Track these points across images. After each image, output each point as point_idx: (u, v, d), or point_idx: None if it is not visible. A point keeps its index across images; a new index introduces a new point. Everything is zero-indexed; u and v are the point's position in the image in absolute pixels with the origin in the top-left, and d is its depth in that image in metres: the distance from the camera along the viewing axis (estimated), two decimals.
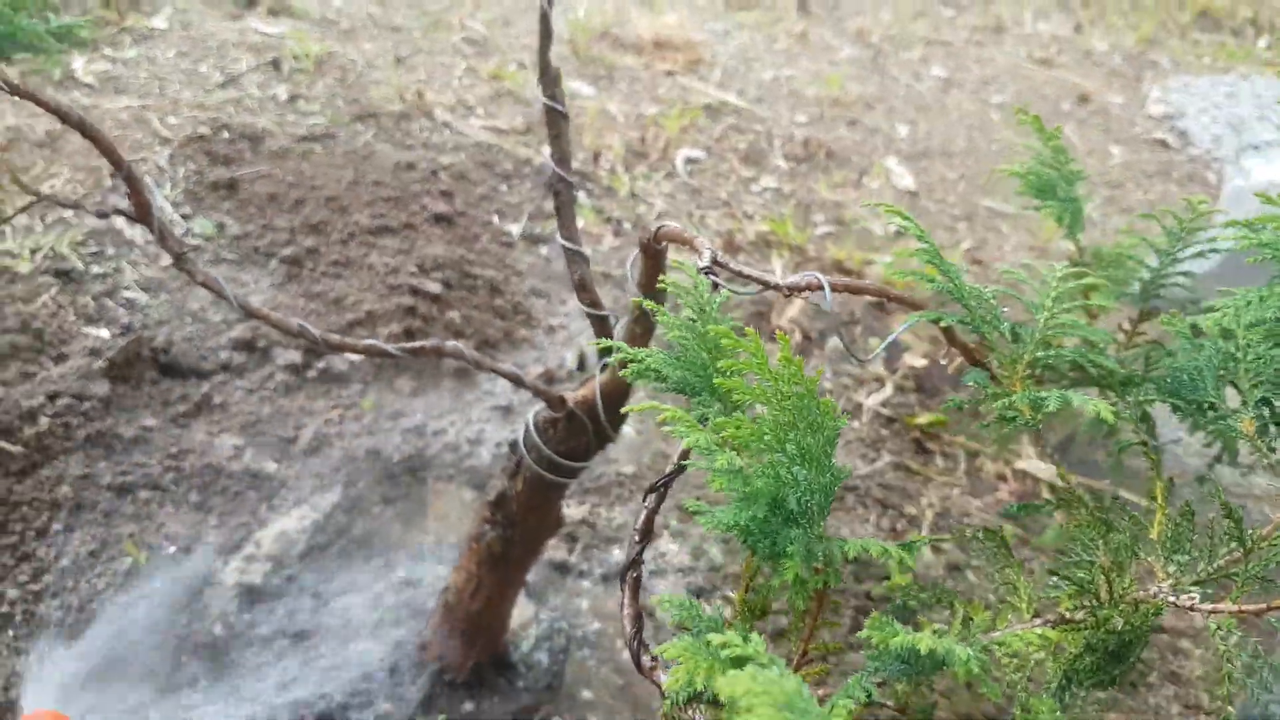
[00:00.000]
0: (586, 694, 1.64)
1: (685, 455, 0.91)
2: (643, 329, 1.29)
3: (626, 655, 1.76)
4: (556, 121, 1.33)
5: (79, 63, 3.23)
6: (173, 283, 2.34)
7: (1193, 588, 0.71)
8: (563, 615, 1.76)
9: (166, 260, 2.42)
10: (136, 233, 2.49)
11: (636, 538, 0.92)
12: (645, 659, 0.83)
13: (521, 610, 1.71)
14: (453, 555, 1.85)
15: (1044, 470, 2.18)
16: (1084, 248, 1.08)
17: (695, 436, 0.69)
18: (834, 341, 2.67)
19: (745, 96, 4.26)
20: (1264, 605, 0.67)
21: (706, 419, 0.79)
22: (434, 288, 2.36)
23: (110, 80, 3.18)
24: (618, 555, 1.95)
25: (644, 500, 0.95)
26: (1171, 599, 0.70)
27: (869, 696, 0.64)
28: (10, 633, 1.52)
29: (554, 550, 1.91)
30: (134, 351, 1.99)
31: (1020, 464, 2.21)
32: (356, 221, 2.57)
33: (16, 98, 1.09)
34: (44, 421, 1.75)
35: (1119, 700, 1.73)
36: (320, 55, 3.65)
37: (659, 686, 0.82)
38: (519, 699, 1.56)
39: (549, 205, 3.11)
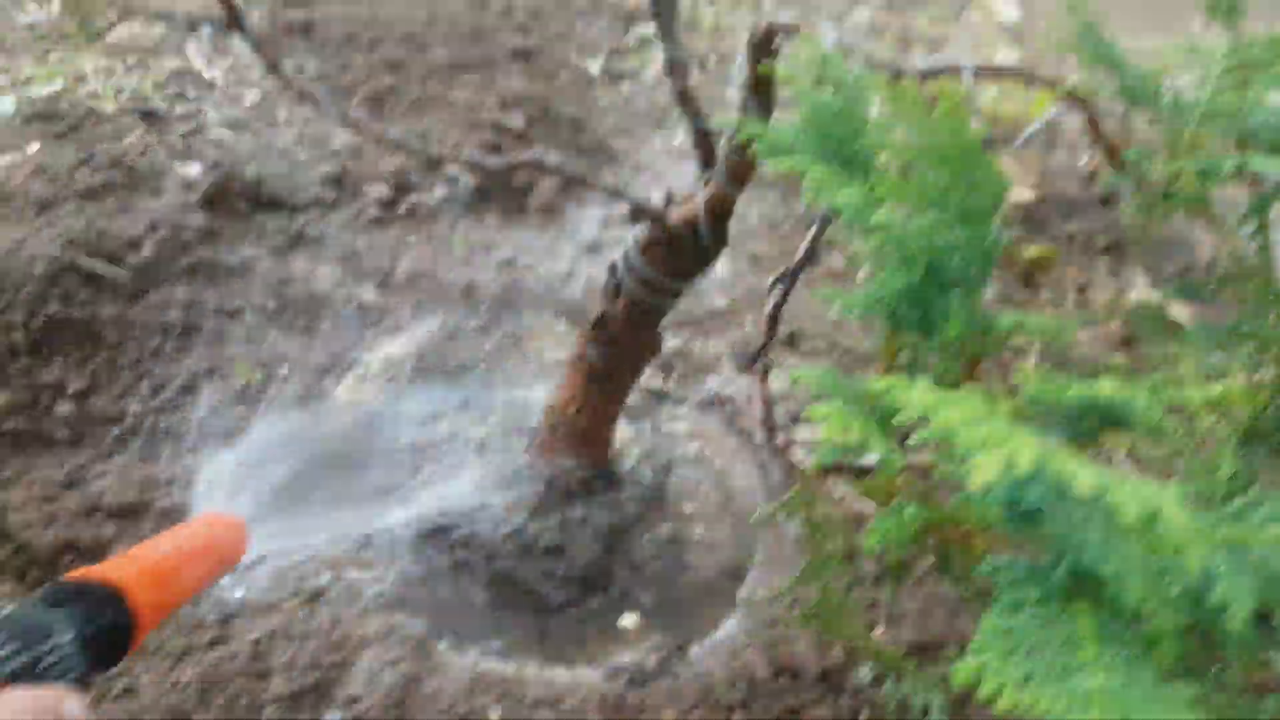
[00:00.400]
0: (689, 507, 1.69)
1: (820, 231, 0.89)
2: (762, 117, 1.25)
3: (726, 474, 1.79)
4: None
5: None
6: (257, 122, 2.34)
7: None
8: (663, 437, 1.79)
9: (249, 101, 2.41)
10: (217, 74, 2.48)
11: (766, 326, 0.92)
12: (779, 439, 0.83)
13: (623, 432, 1.74)
14: (551, 380, 1.88)
15: (1156, 300, 2.12)
16: (1241, 36, 1.01)
17: (847, 192, 0.67)
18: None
19: None
20: None
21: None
22: (517, 123, 2.33)
23: None
24: (712, 383, 1.96)
25: (770, 290, 0.94)
26: None
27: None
28: (136, 443, 1.60)
29: (650, 379, 1.93)
30: (227, 185, 2.01)
31: (1132, 294, 2.16)
32: (434, 59, 2.53)
33: None
34: (148, 249, 1.79)
35: None
36: None
37: (795, 466, 0.83)
38: (625, 508, 1.61)
39: (628, 41, 3.02)
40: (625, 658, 1.45)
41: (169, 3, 2.69)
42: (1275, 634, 0.48)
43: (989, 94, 2.91)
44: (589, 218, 2.29)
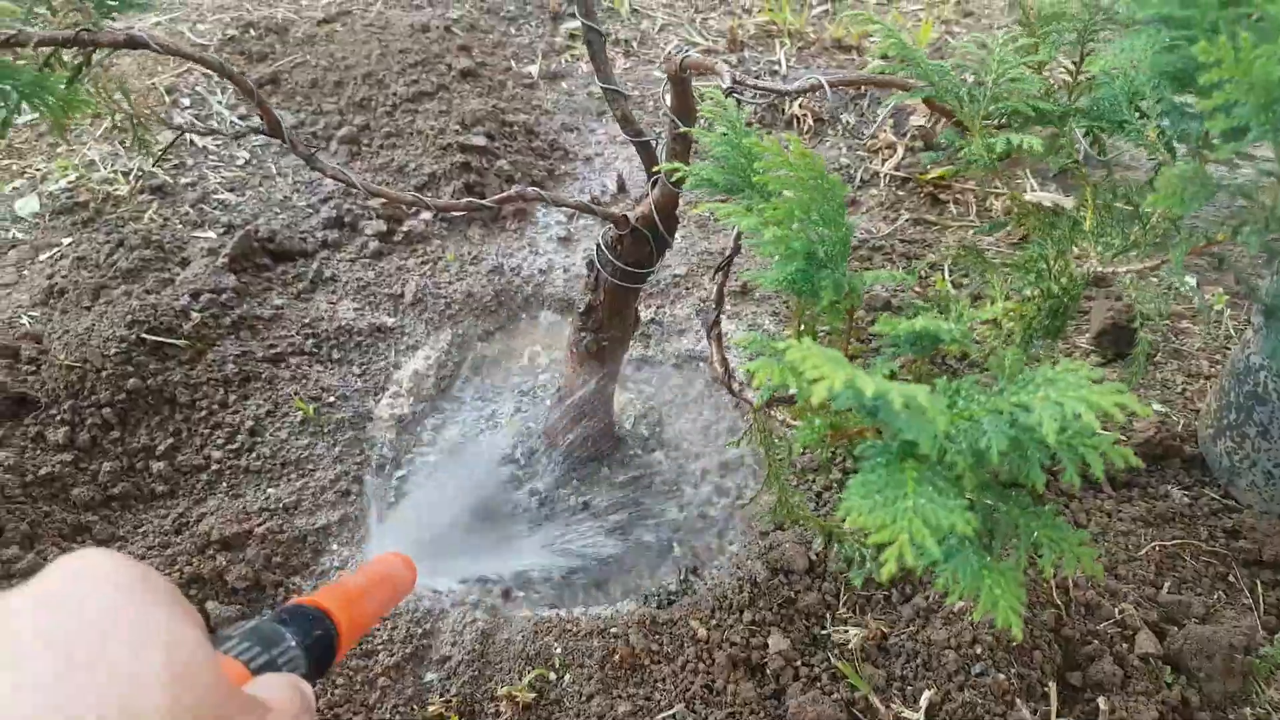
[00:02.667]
0: (686, 445, 2.02)
1: (738, 239, 1.20)
2: (682, 146, 1.54)
3: (708, 418, 2.11)
4: None
5: None
6: (252, 179, 2.62)
7: (1114, 258, 1.00)
8: (652, 396, 2.11)
9: (241, 160, 2.69)
10: (206, 140, 2.75)
11: (713, 304, 1.23)
12: (735, 386, 1.15)
13: (620, 397, 2.05)
14: (551, 364, 2.19)
15: (1047, 197, 2.43)
16: (1030, 7, 1.31)
17: (747, 221, 0.97)
18: (845, 117, 2.89)
19: None
20: (1157, 261, 0.96)
21: (751, 208, 1.07)
22: (479, 141, 2.62)
23: None
24: (685, 343, 2.28)
25: (712, 278, 1.25)
26: (1100, 269, 0.99)
27: (892, 373, 0.94)
28: (224, 484, 1.90)
29: (634, 348, 2.24)
30: (245, 245, 2.30)
31: (1027, 196, 2.46)
32: (395, 92, 2.80)
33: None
34: (195, 316, 2.09)
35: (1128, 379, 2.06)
36: None
37: (749, 403, 1.14)
38: (634, 461, 1.93)
39: (558, 40, 3.29)
40: (654, 586, 1.79)
41: (140, 79, 2.95)
42: (1029, 459, 0.80)
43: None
44: (556, 216, 2.59)
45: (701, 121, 1.43)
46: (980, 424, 0.79)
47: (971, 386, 0.85)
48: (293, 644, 0.74)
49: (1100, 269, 1.00)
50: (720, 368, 1.17)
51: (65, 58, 1.42)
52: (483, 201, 1.53)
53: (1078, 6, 1.26)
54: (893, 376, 1.02)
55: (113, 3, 1.46)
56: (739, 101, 1.23)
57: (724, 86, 1.28)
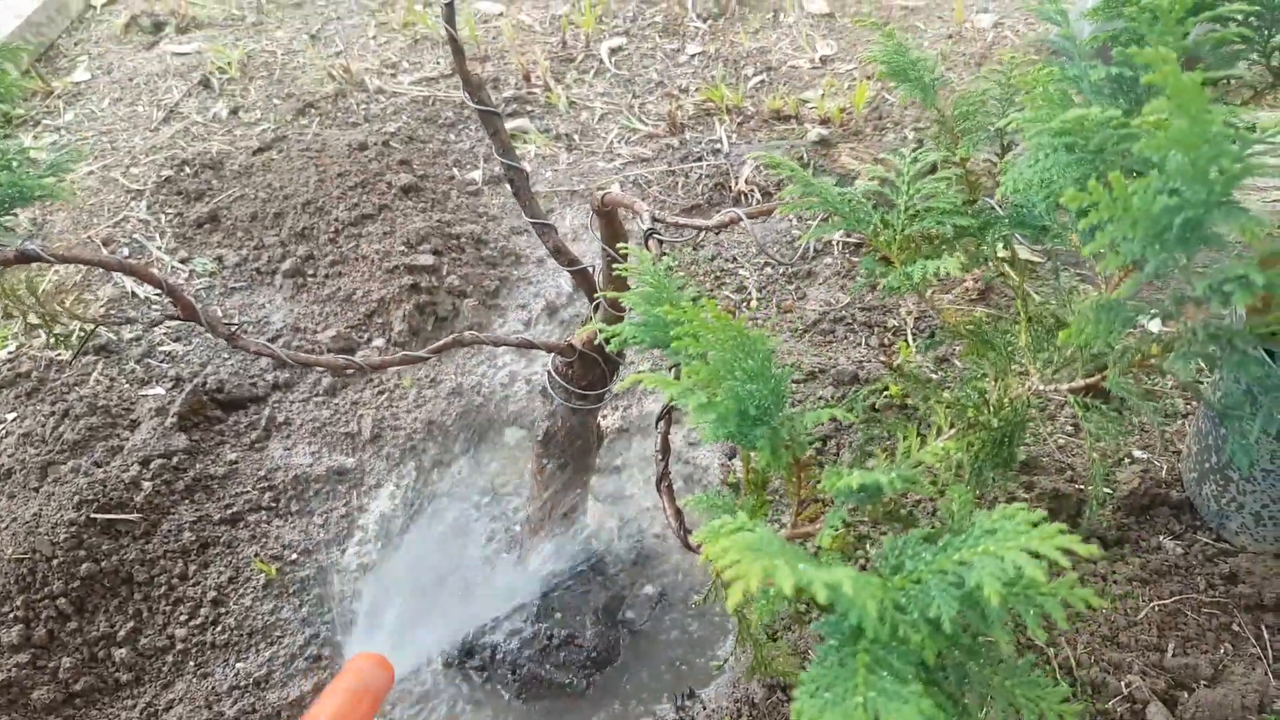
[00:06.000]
0: (666, 563, 1.96)
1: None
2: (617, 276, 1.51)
3: (690, 522, 2.06)
4: (491, 121, 1.53)
5: (27, 141, 3.38)
6: (200, 326, 2.57)
7: (1054, 376, 0.96)
8: (629, 508, 2.06)
9: None
10: (148, 289, 2.71)
11: (659, 456, 1.19)
12: (691, 540, 1.11)
13: (594, 511, 2.00)
14: (521, 485, 2.14)
15: (1002, 250, 2.40)
16: (942, 108, 1.29)
17: (671, 390, 0.93)
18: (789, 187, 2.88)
19: None
20: (1097, 379, 0.92)
21: (678, 365, 1.03)
22: (427, 260, 2.59)
23: (63, 150, 3.32)
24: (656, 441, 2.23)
25: (656, 427, 1.21)
26: (1040, 387, 0.96)
27: (844, 521, 0.90)
28: (191, 663, 1.83)
29: (604, 455, 2.19)
30: (194, 400, 2.25)
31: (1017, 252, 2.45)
32: (336, 218, 2.77)
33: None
34: (147, 486, 2.03)
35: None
36: (241, 59, 3.76)
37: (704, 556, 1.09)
38: (618, 580, 1.88)
39: None
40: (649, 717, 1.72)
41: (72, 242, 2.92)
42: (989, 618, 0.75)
43: (815, 95, 3.20)
44: (511, 324, 2.56)
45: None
46: (928, 587, 0.74)
47: (918, 543, 0.81)
48: None
49: (1041, 386, 0.96)
50: (674, 521, 1.12)
51: None
52: (418, 354, 1.49)
53: (989, 101, 1.24)
54: (846, 525, 0.97)
55: (10, 197, 1.42)
56: (660, 242, 1.20)
57: (644, 227, 1.25)
